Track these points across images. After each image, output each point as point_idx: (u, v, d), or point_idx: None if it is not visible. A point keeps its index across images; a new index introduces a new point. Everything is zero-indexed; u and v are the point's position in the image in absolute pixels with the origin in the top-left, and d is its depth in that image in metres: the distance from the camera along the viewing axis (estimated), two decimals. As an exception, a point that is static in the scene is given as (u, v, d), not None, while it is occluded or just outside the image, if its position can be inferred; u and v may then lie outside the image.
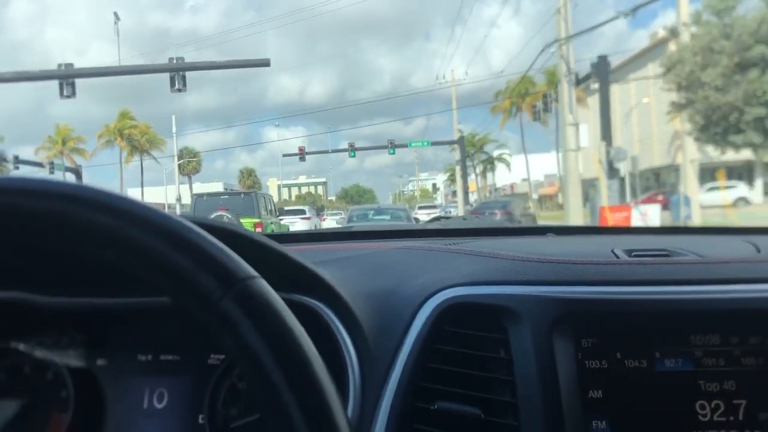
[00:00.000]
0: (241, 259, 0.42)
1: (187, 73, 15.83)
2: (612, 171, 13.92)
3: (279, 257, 0.65)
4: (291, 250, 0.69)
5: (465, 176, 30.47)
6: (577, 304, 0.69)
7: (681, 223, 14.14)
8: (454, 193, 43.11)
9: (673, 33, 15.62)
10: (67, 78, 16.35)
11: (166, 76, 16.11)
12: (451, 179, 48.82)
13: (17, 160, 24.27)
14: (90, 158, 37.54)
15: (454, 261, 0.84)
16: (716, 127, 14.02)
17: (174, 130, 36.19)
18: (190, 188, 44.00)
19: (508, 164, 46.46)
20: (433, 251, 0.93)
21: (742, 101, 12.94)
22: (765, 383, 0.66)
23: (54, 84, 16.16)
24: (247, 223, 11.78)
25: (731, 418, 0.65)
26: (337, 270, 0.82)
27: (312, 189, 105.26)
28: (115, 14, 24.10)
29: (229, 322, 0.39)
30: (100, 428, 0.73)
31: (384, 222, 11.87)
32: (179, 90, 16.58)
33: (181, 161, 40.29)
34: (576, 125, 14.19)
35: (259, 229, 11.82)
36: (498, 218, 14.41)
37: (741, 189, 24.64)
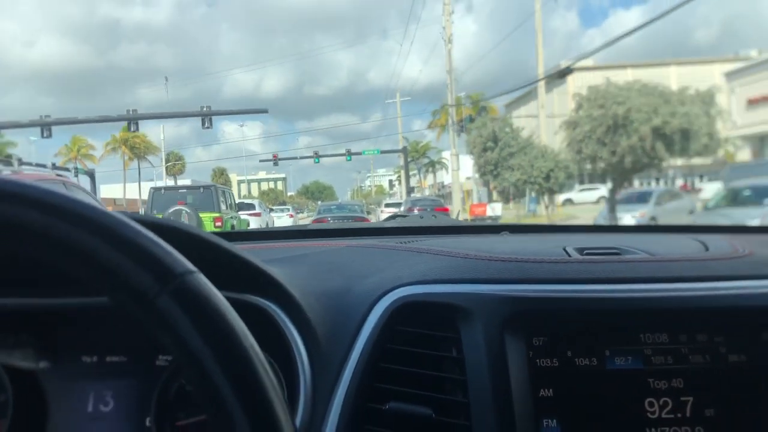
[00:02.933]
0: (178, 253, 0.41)
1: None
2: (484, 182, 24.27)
3: (226, 255, 0.64)
4: (242, 248, 0.71)
5: (408, 179, 40.74)
6: (528, 303, 0.70)
7: (530, 214, 24.46)
8: (411, 189, 52.90)
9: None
10: (133, 119, 25.67)
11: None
12: (399, 180, 59.06)
13: (21, 162, 32.93)
14: (98, 162, 46.11)
15: (408, 259, 0.86)
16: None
17: (162, 137, 45.22)
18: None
19: (446, 167, 57.34)
20: (387, 249, 0.94)
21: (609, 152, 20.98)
22: (711, 380, 0.68)
23: None
24: (207, 218, 11.81)
25: (679, 415, 0.67)
26: (290, 268, 0.82)
27: (272, 185, 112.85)
28: (166, 78, 32.64)
29: (167, 320, 0.39)
30: None
31: (344, 213, 16.22)
32: (208, 127, 25.97)
33: (168, 164, 49.41)
34: (456, 155, 24.62)
35: (218, 224, 12.05)
36: (416, 213, 23.30)
37: (602, 190, 35.50)
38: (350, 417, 0.65)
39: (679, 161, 12.71)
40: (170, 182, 50.12)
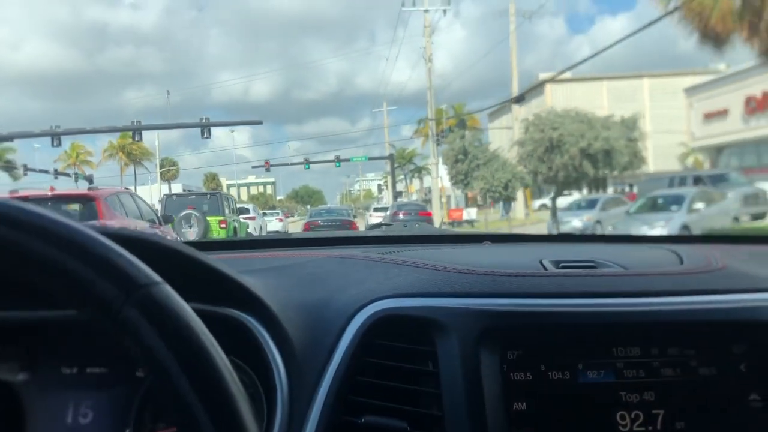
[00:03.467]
0: (143, 264, 0.41)
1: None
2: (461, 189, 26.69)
3: (201, 267, 0.64)
4: (221, 258, 0.74)
5: (394, 184, 43.12)
6: (503, 317, 0.71)
7: (506, 217, 26.89)
8: (399, 193, 55.30)
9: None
10: (138, 130, 27.78)
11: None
12: (386, 185, 61.52)
13: (26, 168, 34.86)
14: (96, 168, 48.10)
15: (387, 271, 0.86)
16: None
17: (157, 143, 47.31)
18: (170, 190, 55.17)
19: (430, 173, 59.90)
20: (366, 261, 0.95)
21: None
22: (682, 394, 0.69)
23: None
24: (213, 221, 13.18)
25: (650, 428, 0.68)
26: (268, 280, 0.83)
27: (261, 189, 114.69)
28: (168, 92, 34.83)
29: (132, 330, 0.39)
30: None
31: (333, 216, 18.10)
32: (206, 137, 28.08)
33: (162, 169, 51.50)
34: (436, 164, 27.06)
35: (223, 225, 13.36)
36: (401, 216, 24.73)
37: (576, 196, 38.08)
38: (326, 430, 0.66)
39: (615, 173, 15.20)
40: (164, 187, 52.17)
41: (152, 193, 49.42)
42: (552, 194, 34.76)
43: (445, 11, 26.54)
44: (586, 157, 12.62)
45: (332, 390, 0.68)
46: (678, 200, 11.99)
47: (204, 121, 28.40)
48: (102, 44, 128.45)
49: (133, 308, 0.39)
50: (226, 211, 14.27)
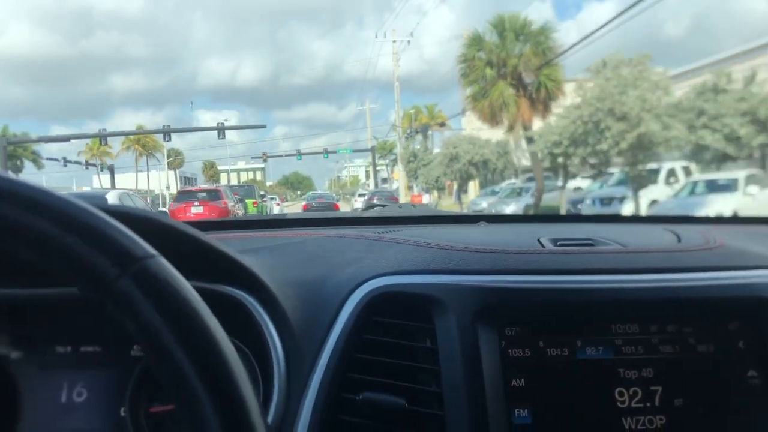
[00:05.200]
0: (138, 237, 0.42)
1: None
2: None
3: (197, 244, 0.65)
4: (219, 237, 0.74)
5: (375, 174, 51.87)
6: (501, 294, 0.72)
7: (457, 202, 35.52)
8: (384, 180, 63.58)
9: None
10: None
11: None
12: (366, 172, 70.12)
13: (66, 161, 43.15)
14: (115, 158, 56.44)
15: (384, 250, 0.87)
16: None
17: (165, 140, 55.79)
18: (176, 178, 63.80)
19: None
20: (364, 239, 0.96)
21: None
22: (680, 370, 0.70)
23: None
24: (249, 202, 20.27)
25: (648, 404, 0.69)
26: (267, 258, 0.84)
27: (251, 175, 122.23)
28: (191, 102, 43.24)
29: (127, 304, 0.39)
30: (15, 424, 0.72)
31: (323, 200, 25.41)
32: (222, 138, 36.38)
33: (170, 159, 60.13)
34: (402, 162, 35.72)
35: (255, 205, 20.96)
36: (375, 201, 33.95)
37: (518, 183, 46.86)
38: (324, 407, 0.66)
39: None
40: (170, 174, 60.65)
41: (161, 178, 58.03)
42: (507, 182, 43.93)
43: (408, 41, 35.01)
44: (472, 167, 21.37)
45: (330, 367, 0.69)
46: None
47: (219, 125, 36.88)
48: (86, 29, 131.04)
49: (129, 282, 0.39)
50: (256, 196, 23.85)
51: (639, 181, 10.29)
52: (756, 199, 10.03)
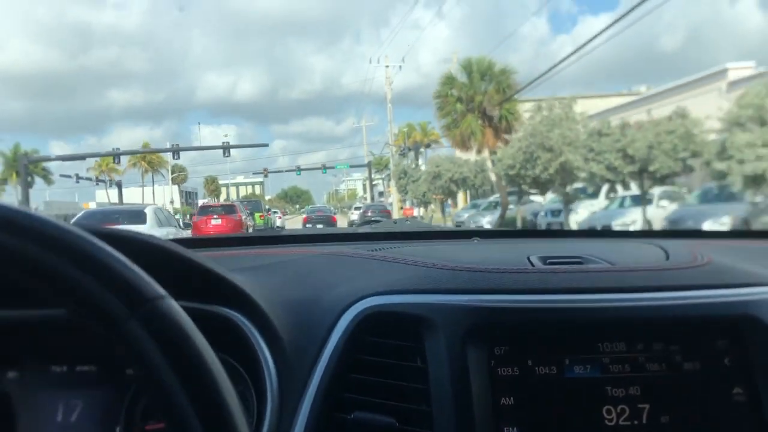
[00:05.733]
0: (148, 276, 0.42)
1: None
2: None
3: (189, 265, 0.65)
4: (212, 255, 0.75)
5: (371, 188, 54.90)
6: (490, 313, 0.73)
7: (445, 215, 38.39)
8: (381, 193, 66.38)
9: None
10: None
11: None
12: (364, 185, 73.28)
13: (78, 177, 46.18)
14: (122, 174, 59.40)
15: (376, 268, 0.89)
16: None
17: (173, 158, 58.87)
18: (179, 192, 66.84)
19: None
20: (355, 258, 0.98)
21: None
22: (667, 388, 0.71)
23: None
24: (257, 216, 23.98)
25: (635, 422, 0.70)
26: (259, 277, 0.85)
27: (251, 189, 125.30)
28: (199, 124, 46.30)
29: (135, 345, 0.40)
30: None
31: (322, 213, 28.91)
32: (227, 156, 39.29)
33: (174, 175, 63.21)
34: (394, 179, 38.67)
35: (262, 218, 24.97)
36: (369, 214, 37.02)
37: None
38: (316, 426, 0.67)
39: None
40: (174, 188, 63.61)
41: (165, 193, 61.17)
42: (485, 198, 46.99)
43: (401, 66, 38.13)
44: (453, 183, 24.36)
45: (322, 386, 0.70)
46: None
47: (225, 143, 39.86)
48: (85, 44, 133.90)
49: (138, 323, 0.40)
50: (263, 210, 27.93)
51: (567, 197, 13.27)
52: (666, 210, 12.61)
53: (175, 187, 68.22)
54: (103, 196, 58.40)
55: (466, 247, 1.22)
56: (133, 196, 59.06)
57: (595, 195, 15.53)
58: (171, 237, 6.50)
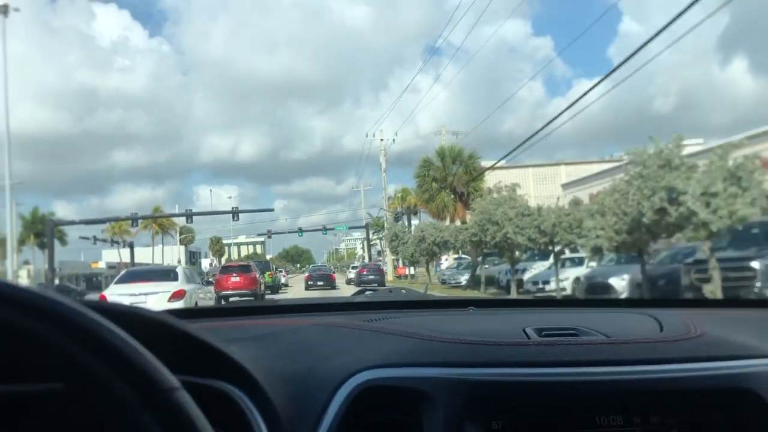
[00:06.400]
0: (160, 364, 0.41)
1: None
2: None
3: (185, 338, 0.65)
4: (208, 326, 0.76)
5: (369, 248, 58.78)
6: (487, 387, 0.73)
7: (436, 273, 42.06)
8: (379, 252, 69.98)
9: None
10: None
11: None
12: (363, 245, 77.26)
13: (96, 239, 50.15)
14: (134, 236, 63.50)
15: (372, 340, 0.89)
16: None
17: (187, 222, 63.21)
18: (186, 253, 71.00)
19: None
20: (351, 329, 0.98)
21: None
22: None
23: None
24: (266, 273, 26.79)
25: None
26: (254, 349, 0.85)
27: (251, 248, 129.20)
28: (211, 191, 50.88)
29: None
30: None
31: (322, 271, 35.21)
32: (236, 220, 43.33)
33: (182, 236, 67.39)
34: (388, 241, 42.72)
35: (270, 276, 27.54)
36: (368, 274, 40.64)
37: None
38: None
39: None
40: (182, 248, 67.49)
41: (173, 253, 65.19)
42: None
43: (394, 139, 42.75)
44: (435, 245, 28.48)
45: None
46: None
47: (234, 209, 44.03)
48: (91, 107, 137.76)
49: (150, 414, 0.40)
50: (271, 269, 31.95)
51: (512, 260, 17.27)
52: (593, 269, 15.88)
53: (182, 247, 72.29)
54: (110, 256, 62.28)
55: (461, 318, 1.25)
56: (141, 255, 62.88)
57: (545, 257, 19.58)
58: (197, 292, 10.92)
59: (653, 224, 8.79)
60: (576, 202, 14.07)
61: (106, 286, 23.12)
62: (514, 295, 16.85)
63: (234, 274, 21.64)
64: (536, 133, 15.31)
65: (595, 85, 15.03)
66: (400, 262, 42.72)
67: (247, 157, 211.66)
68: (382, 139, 42.30)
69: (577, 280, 15.85)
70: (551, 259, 19.53)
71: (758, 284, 9.07)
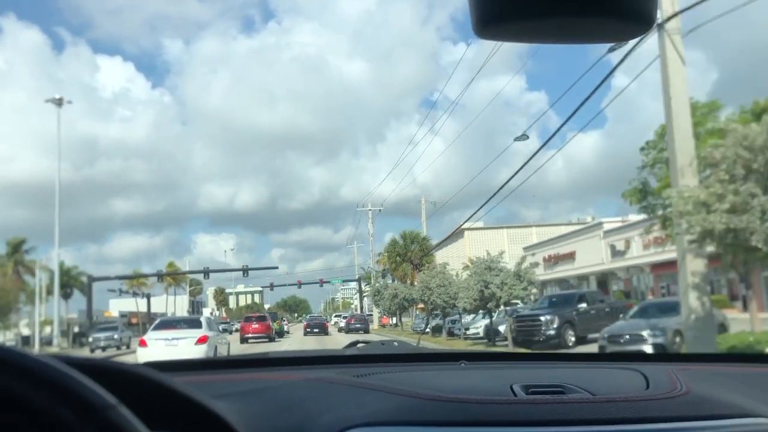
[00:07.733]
0: (98, 386, 0.43)
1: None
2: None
3: (168, 392, 0.64)
4: (196, 380, 0.76)
5: (361, 299, 67.26)
6: None
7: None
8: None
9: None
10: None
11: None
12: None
13: (120, 291, 58.37)
14: (150, 288, 71.98)
15: (361, 397, 0.89)
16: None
17: (204, 278, 71.92)
18: (192, 303, 79.78)
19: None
20: (340, 385, 0.99)
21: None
22: None
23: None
24: (275, 322, 35.61)
25: None
26: (242, 405, 0.85)
27: (250, 297, 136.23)
28: (225, 250, 59.65)
29: None
30: None
31: (317, 320, 44.06)
32: (246, 276, 52.17)
33: (191, 288, 76.19)
34: (372, 295, 51.52)
35: (277, 325, 37.40)
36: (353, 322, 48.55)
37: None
38: None
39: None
40: (186, 299, 75.95)
41: (183, 304, 73.90)
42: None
43: (380, 210, 52.02)
44: (405, 301, 37.43)
45: None
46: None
47: (245, 266, 52.81)
48: (91, 157, 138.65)
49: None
50: (278, 318, 42.77)
51: (444, 314, 26.31)
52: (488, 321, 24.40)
53: (188, 297, 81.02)
54: (116, 305, 70.27)
55: (451, 373, 1.27)
56: (156, 305, 70.90)
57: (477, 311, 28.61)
58: (216, 338, 15.82)
59: (486, 296, 17.90)
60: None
61: (122, 333, 32.15)
62: (445, 337, 25.33)
63: (254, 322, 30.94)
64: (493, 195, 17.78)
65: (535, 154, 23.71)
66: (383, 313, 51.47)
67: (246, 206, 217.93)
68: (370, 209, 51.57)
69: (484, 327, 24.71)
70: (472, 314, 28.66)
71: (543, 329, 17.84)
